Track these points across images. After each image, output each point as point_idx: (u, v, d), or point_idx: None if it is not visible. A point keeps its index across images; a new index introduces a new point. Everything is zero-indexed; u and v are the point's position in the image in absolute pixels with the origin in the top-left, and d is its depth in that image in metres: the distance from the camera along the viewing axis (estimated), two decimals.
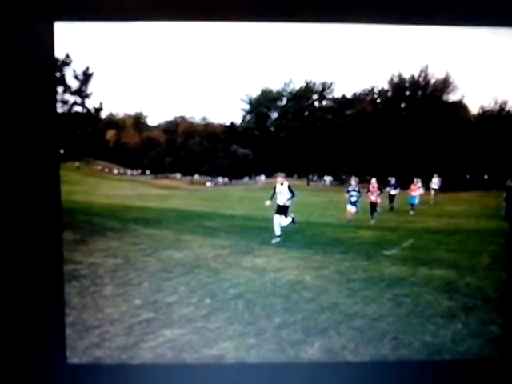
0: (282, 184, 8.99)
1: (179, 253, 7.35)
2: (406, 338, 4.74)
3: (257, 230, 8.43)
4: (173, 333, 4.76)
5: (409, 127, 12.50)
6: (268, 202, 8.74)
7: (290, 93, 15.04)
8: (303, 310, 5.34)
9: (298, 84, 15.40)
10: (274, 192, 8.85)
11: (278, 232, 8.72)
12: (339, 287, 6.15)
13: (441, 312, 5.35)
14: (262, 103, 14.96)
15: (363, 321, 5.09)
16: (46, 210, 3.67)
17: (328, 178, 14.29)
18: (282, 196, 8.87)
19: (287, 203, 8.91)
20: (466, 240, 8.32)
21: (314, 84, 15.09)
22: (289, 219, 8.85)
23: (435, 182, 11.85)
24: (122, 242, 8.17)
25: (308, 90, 14.84)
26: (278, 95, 14.99)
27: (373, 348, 4.52)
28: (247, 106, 15.20)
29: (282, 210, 8.90)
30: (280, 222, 8.78)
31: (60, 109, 8.67)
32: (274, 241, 8.46)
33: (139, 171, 14.08)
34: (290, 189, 8.91)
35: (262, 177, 11.08)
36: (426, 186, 11.88)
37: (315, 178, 14.53)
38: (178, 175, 13.91)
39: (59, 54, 7.89)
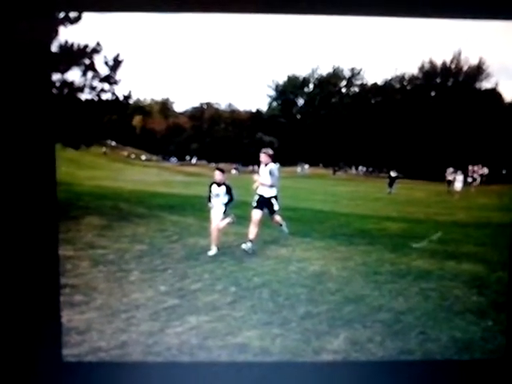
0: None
1: (204, 240, 7.35)
2: (433, 332, 4.66)
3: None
4: (198, 320, 4.78)
5: (439, 116, 12.24)
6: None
7: (317, 79, 14.87)
8: (328, 302, 5.30)
9: (325, 70, 15.22)
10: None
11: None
12: (365, 279, 6.09)
13: (470, 307, 5.25)
14: (289, 90, 14.83)
15: (389, 314, 5.02)
16: (40, 201, 3.62)
17: (360, 168, 14.16)
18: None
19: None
20: (496, 234, 8.12)
21: (342, 70, 14.87)
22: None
23: (459, 180, 11.67)
24: (147, 228, 8.25)
25: (336, 76, 14.63)
26: (305, 81, 14.83)
27: (399, 342, 4.45)
28: (273, 93, 15.10)
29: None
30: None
31: (88, 95, 8.77)
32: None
33: (165, 157, 14.18)
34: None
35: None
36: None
37: (341, 166, 14.41)
38: (204, 162, 13.97)
39: (90, 41, 7.97)
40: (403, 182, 12.93)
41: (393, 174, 12.25)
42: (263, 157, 7.48)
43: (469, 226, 8.93)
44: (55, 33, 3.70)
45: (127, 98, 9.31)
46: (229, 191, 7.19)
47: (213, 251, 6.96)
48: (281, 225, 7.77)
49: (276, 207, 7.47)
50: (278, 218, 7.68)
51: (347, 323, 4.79)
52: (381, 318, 4.92)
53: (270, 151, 7.52)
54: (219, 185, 7.20)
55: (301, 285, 5.83)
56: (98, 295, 5.25)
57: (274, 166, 7.45)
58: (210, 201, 7.28)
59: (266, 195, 7.43)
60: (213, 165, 12.75)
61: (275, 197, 7.45)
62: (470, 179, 12.11)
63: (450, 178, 11.77)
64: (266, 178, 7.43)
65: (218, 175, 7.23)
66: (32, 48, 3.44)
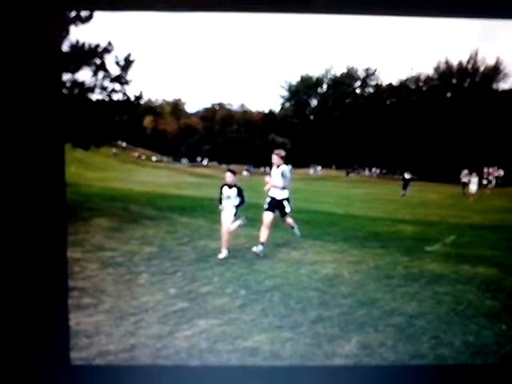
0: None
1: (214, 242, 7.35)
2: (446, 337, 4.57)
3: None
4: (207, 323, 4.73)
5: (454, 117, 12.09)
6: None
7: (330, 79, 14.77)
8: (340, 305, 5.23)
9: (339, 70, 15.12)
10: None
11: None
12: (377, 283, 6.01)
13: (484, 312, 5.15)
14: (302, 90, 14.76)
15: (402, 318, 4.94)
16: (49, 202, 3.59)
17: (373, 170, 14.06)
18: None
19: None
20: None
21: (357, 70, 14.76)
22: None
23: (474, 182, 11.57)
24: (157, 230, 8.25)
25: (350, 76, 14.54)
26: (319, 82, 14.75)
27: (411, 346, 4.37)
28: (286, 93, 15.05)
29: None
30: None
31: (99, 95, 8.79)
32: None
33: (176, 158, 14.20)
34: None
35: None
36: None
37: (355, 168, 14.30)
38: (215, 163, 13.95)
39: (101, 41, 7.98)
40: (417, 184, 12.83)
41: (407, 176, 12.14)
42: (275, 158, 7.37)
43: (484, 228, 8.81)
44: (66, 32, 3.68)
45: (138, 98, 9.30)
46: (240, 193, 7.11)
47: (223, 254, 6.91)
48: (292, 227, 7.71)
49: (288, 209, 7.40)
50: (289, 220, 7.62)
51: (359, 327, 4.72)
52: (393, 322, 4.84)
53: (283, 152, 7.41)
54: (230, 187, 7.14)
55: (312, 288, 5.76)
56: (106, 298, 5.23)
57: (286, 168, 7.35)
58: (220, 203, 7.23)
59: (278, 197, 7.33)
60: (224, 166, 12.72)
61: (287, 199, 7.38)
62: (485, 181, 11.98)
63: (464, 180, 11.65)
64: (277, 179, 7.34)
65: (229, 177, 7.17)
66: (42, 47, 3.43)
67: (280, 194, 7.35)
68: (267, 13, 3.56)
